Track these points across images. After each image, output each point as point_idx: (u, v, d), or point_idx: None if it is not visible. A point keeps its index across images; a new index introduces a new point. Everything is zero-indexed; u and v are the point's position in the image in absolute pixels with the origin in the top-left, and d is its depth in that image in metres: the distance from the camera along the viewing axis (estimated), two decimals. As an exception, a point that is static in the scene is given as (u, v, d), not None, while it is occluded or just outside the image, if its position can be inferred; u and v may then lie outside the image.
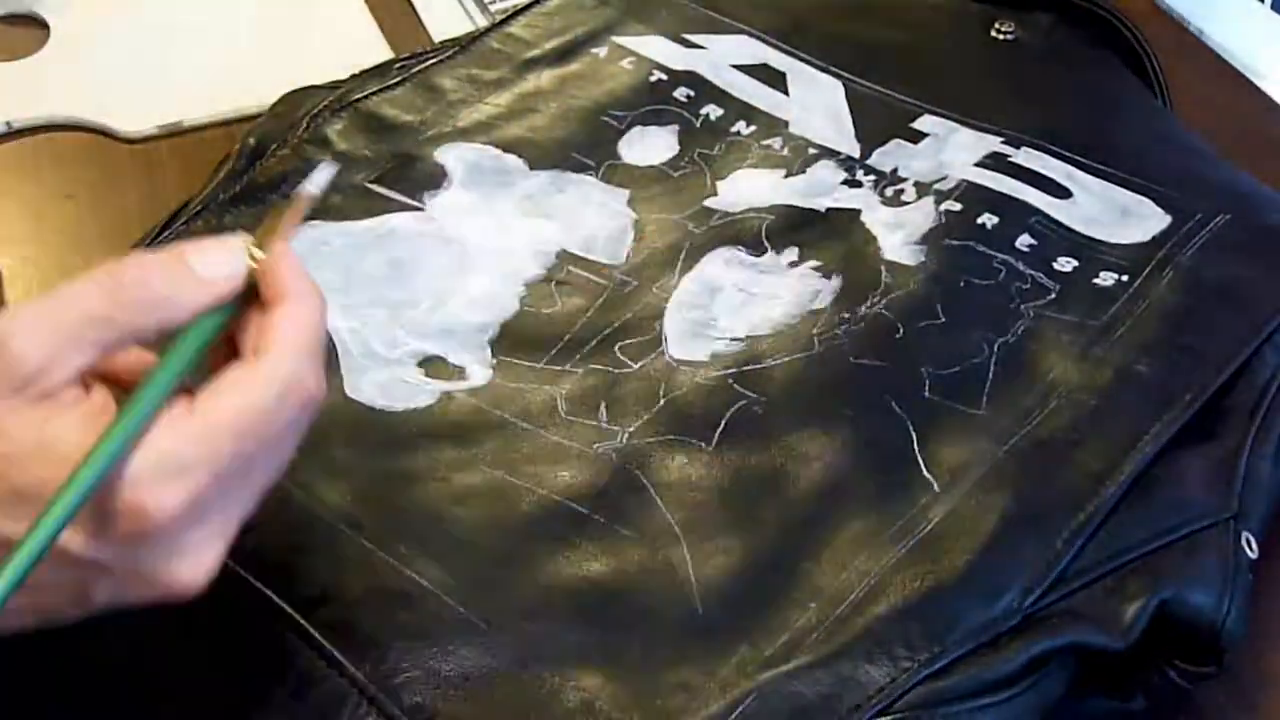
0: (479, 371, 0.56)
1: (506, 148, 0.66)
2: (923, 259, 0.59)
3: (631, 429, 0.53)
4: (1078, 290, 0.57)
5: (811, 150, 0.65)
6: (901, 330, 0.56)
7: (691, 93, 0.68)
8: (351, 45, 0.80)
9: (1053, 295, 0.57)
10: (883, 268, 0.59)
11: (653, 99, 0.68)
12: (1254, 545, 0.49)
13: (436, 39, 0.80)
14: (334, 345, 0.56)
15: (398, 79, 0.69)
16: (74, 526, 0.38)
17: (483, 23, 0.81)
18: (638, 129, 0.67)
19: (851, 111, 0.67)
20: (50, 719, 0.48)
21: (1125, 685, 0.48)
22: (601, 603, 0.48)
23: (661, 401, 0.54)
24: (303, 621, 0.47)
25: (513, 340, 0.57)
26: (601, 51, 0.71)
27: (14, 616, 0.39)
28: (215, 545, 0.40)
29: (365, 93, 0.68)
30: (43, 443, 0.38)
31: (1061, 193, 0.62)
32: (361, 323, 0.57)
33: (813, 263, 0.60)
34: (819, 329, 0.57)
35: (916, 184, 0.63)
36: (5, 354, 0.38)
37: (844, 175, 0.64)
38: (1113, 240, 0.59)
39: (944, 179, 0.63)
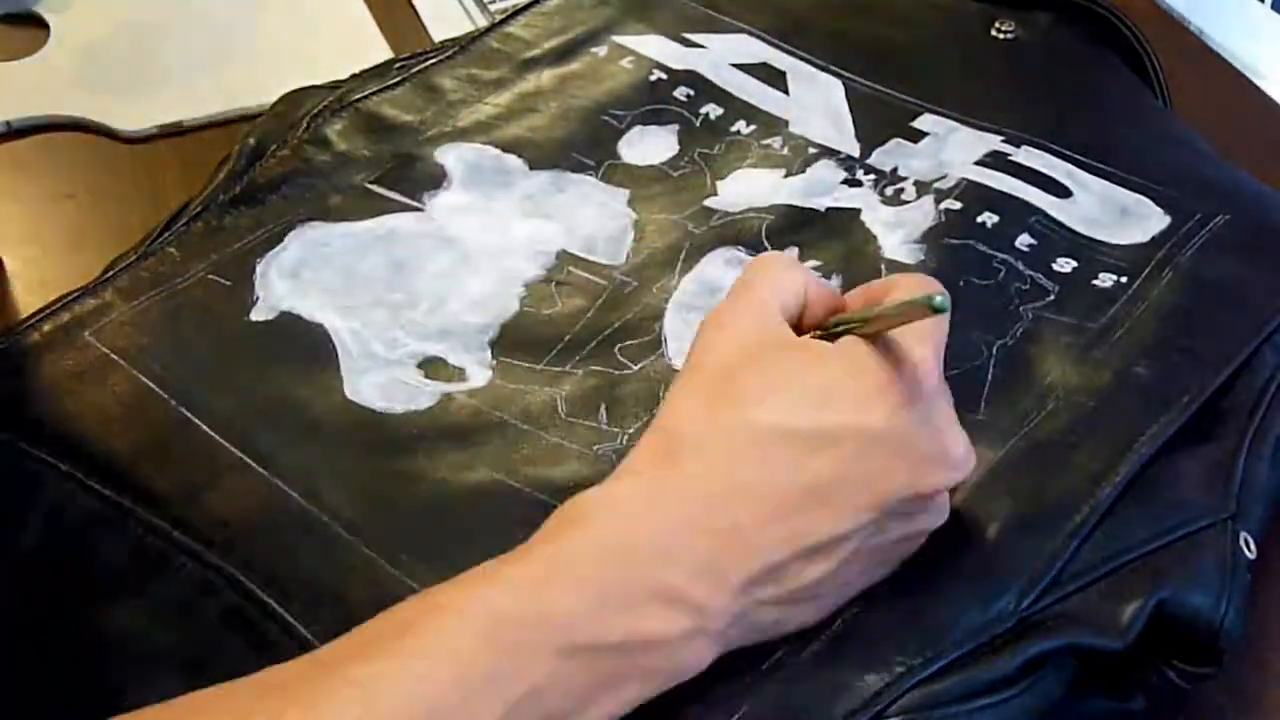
0: (479, 372, 0.56)
1: (506, 148, 0.66)
2: (922, 258, 0.59)
3: (631, 430, 0.53)
4: (1077, 291, 0.57)
5: (811, 149, 0.65)
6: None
7: (691, 92, 0.68)
8: (351, 45, 0.80)
9: (1052, 296, 0.57)
10: (883, 267, 0.59)
11: (653, 98, 0.68)
12: (1252, 546, 0.49)
13: (436, 39, 0.80)
14: (334, 346, 0.56)
15: (398, 79, 0.69)
16: None
17: (483, 23, 0.81)
18: (638, 129, 0.67)
19: (851, 111, 0.67)
20: (49, 718, 0.48)
21: (1124, 686, 0.48)
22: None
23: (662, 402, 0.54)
24: (301, 628, 0.47)
25: (513, 341, 0.57)
26: (601, 51, 0.71)
27: None
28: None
29: (365, 93, 0.68)
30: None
31: (1061, 192, 0.62)
32: (362, 323, 0.57)
33: (813, 262, 0.60)
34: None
35: (916, 183, 0.63)
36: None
37: (844, 174, 0.64)
38: (1112, 240, 0.59)
39: (944, 178, 0.63)
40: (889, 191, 0.63)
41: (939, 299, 0.42)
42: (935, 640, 0.45)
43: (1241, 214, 0.61)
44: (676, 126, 0.67)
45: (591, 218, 0.63)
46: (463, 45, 0.71)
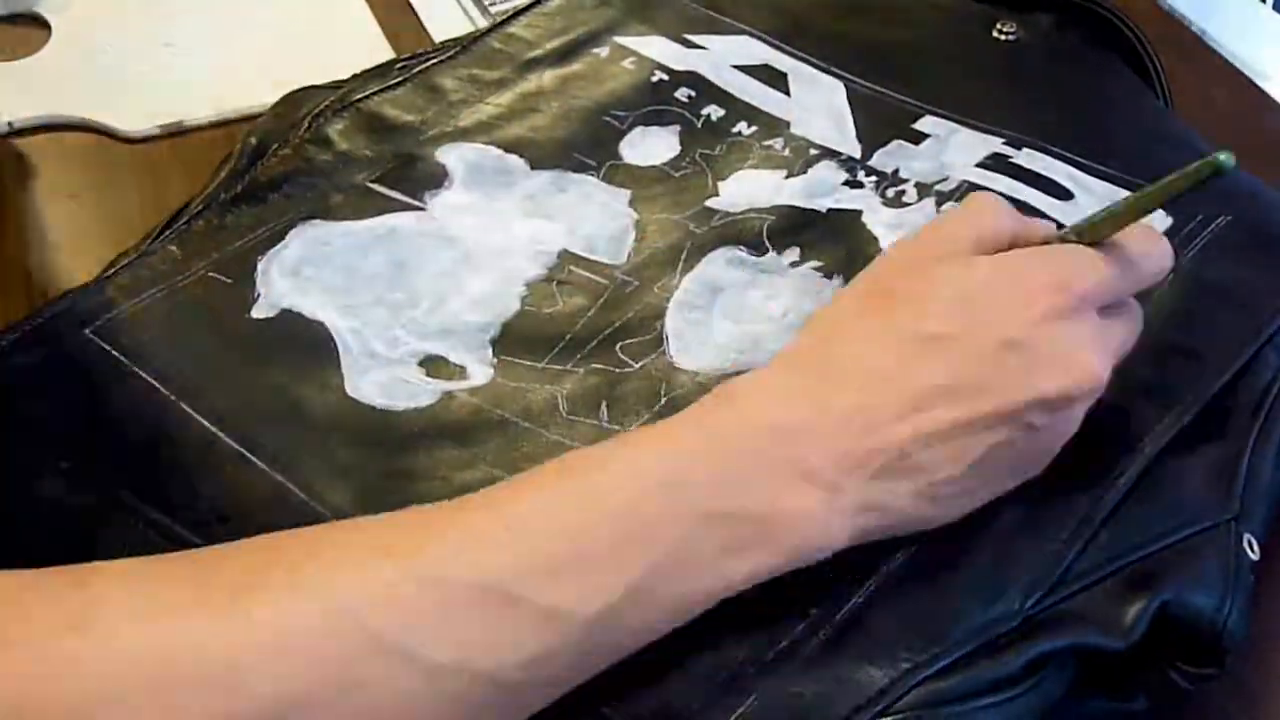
0: (480, 371, 0.56)
1: (508, 148, 0.66)
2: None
3: (633, 429, 0.53)
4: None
5: (813, 151, 0.65)
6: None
7: (693, 93, 0.68)
8: (352, 45, 0.80)
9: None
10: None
11: (654, 99, 0.68)
12: (1255, 547, 0.49)
13: (436, 39, 0.80)
14: (335, 344, 0.56)
15: (399, 79, 0.69)
16: None
17: (483, 23, 0.81)
18: (639, 129, 0.67)
19: (853, 112, 0.67)
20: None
21: (1126, 686, 0.48)
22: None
23: (663, 400, 0.54)
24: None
25: (514, 340, 0.57)
26: (603, 52, 0.71)
27: None
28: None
29: (366, 93, 0.68)
30: None
31: (1063, 194, 0.62)
32: (362, 322, 0.57)
33: (814, 263, 0.60)
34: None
35: (918, 185, 0.63)
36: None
37: (845, 176, 0.64)
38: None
39: (945, 180, 0.63)
40: (890, 193, 0.63)
41: (1223, 157, 0.46)
42: (940, 638, 0.45)
43: (1243, 215, 0.61)
44: (678, 127, 0.67)
45: (593, 217, 0.62)
46: (464, 45, 0.71)
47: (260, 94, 0.73)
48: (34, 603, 0.39)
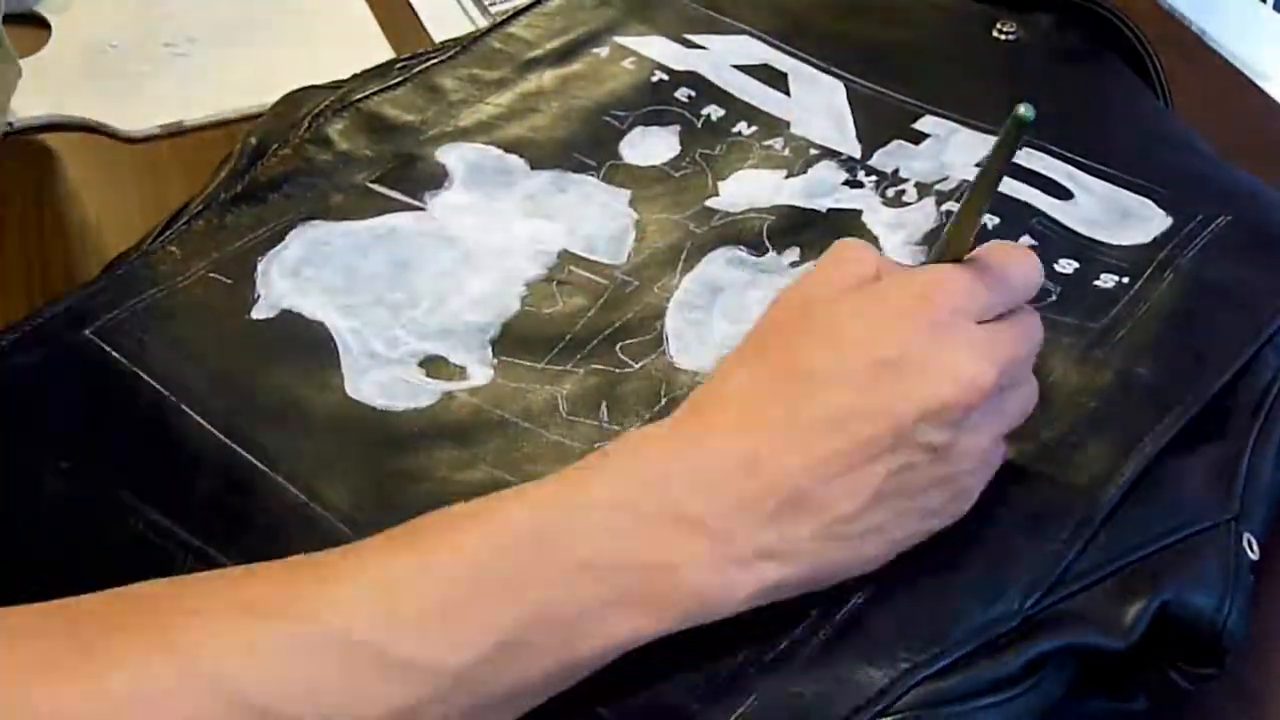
0: (480, 371, 0.56)
1: (508, 148, 0.66)
2: (923, 259, 0.59)
3: (632, 429, 0.53)
4: (1078, 292, 0.57)
5: (813, 151, 0.65)
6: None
7: (693, 93, 0.68)
8: (352, 45, 0.80)
9: (1054, 297, 0.57)
10: (884, 268, 0.59)
11: (654, 99, 0.68)
12: (1255, 547, 0.49)
13: (436, 40, 0.80)
14: (335, 344, 0.56)
15: (399, 79, 0.69)
16: None
17: (482, 23, 0.81)
18: (639, 129, 0.67)
19: (853, 112, 0.67)
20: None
21: (1127, 686, 0.48)
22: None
23: (663, 401, 0.54)
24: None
25: (514, 340, 0.57)
26: (603, 51, 0.71)
27: None
28: None
29: (366, 93, 0.68)
30: None
31: (1062, 193, 0.62)
32: (362, 322, 0.57)
33: (814, 262, 0.60)
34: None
35: (918, 185, 0.63)
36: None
37: (845, 176, 0.64)
38: (1114, 241, 0.59)
39: (945, 179, 0.63)
40: (890, 193, 0.63)
41: (1022, 109, 0.44)
42: (940, 638, 0.45)
43: (1243, 215, 0.61)
44: (678, 127, 0.67)
45: (593, 217, 0.62)
46: (464, 45, 0.71)
47: (260, 94, 0.73)
48: None
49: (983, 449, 0.47)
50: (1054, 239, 0.59)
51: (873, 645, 0.45)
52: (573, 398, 0.55)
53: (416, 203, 0.63)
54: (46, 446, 0.52)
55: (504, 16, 0.74)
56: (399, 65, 0.71)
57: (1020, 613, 0.46)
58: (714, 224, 0.62)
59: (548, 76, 0.70)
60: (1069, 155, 0.64)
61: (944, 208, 0.61)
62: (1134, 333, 0.55)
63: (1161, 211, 0.61)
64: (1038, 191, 0.62)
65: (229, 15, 0.83)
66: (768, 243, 0.61)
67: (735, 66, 0.70)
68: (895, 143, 0.65)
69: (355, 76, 0.70)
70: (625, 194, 0.64)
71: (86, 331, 0.56)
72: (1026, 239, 0.59)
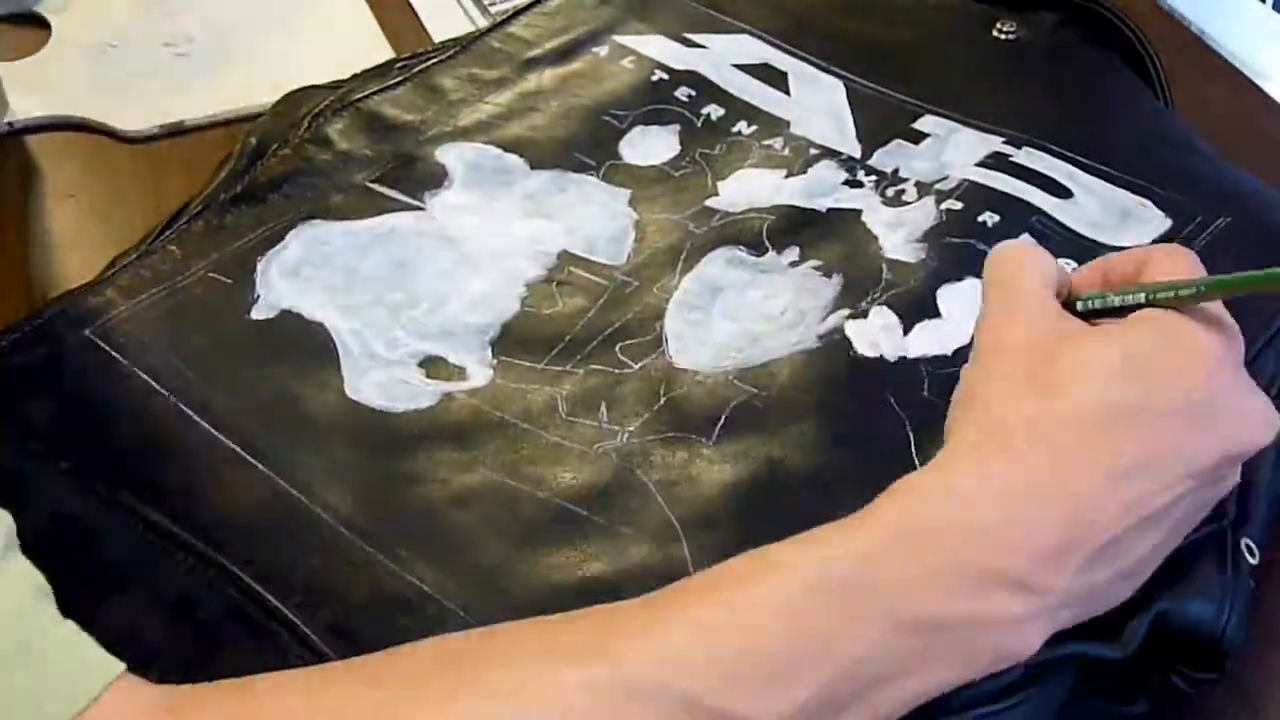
0: (480, 372, 0.56)
1: (507, 147, 0.66)
2: (923, 256, 0.59)
3: (632, 428, 0.53)
4: (1079, 292, 0.57)
5: (813, 150, 0.65)
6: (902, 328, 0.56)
7: (693, 92, 0.68)
8: (352, 45, 0.80)
9: (1054, 296, 0.57)
10: (883, 265, 0.59)
11: (654, 98, 0.68)
12: (1255, 551, 0.49)
13: (436, 39, 0.80)
14: (334, 345, 0.56)
15: (398, 79, 0.69)
16: None
17: (482, 23, 0.81)
18: (639, 129, 0.67)
19: (853, 111, 0.67)
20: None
21: (1127, 689, 0.48)
22: (603, 603, 0.48)
23: (662, 400, 0.54)
24: (301, 625, 0.47)
25: (513, 340, 0.57)
26: (603, 51, 0.71)
27: None
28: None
29: (366, 92, 0.68)
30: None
31: (1063, 193, 0.62)
32: (362, 323, 0.57)
33: (813, 262, 0.60)
34: (820, 327, 0.57)
35: (918, 184, 0.63)
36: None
37: (845, 175, 0.64)
38: (1113, 242, 0.59)
39: (945, 179, 0.63)
40: (890, 192, 0.63)
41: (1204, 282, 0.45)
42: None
43: (1242, 216, 0.61)
44: (678, 127, 0.67)
45: (592, 217, 0.62)
46: (464, 45, 0.71)
47: (260, 94, 0.73)
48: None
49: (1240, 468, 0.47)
50: (1054, 239, 0.59)
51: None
52: (572, 398, 0.55)
53: (416, 203, 0.63)
54: (47, 446, 0.52)
55: (504, 16, 0.74)
56: (399, 65, 0.71)
57: (1020, 619, 0.46)
58: (714, 224, 0.62)
59: (547, 76, 0.70)
60: (1069, 155, 0.64)
61: (943, 207, 0.61)
62: (1134, 333, 0.55)
63: (1161, 214, 0.61)
64: (1038, 191, 0.62)
65: (229, 15, 0.83)
66: (767, 242, 0.61)
67: (735, 66, 0.70)
68: (895, 142, 0.65)
69: (355, 76, 0.70)
70: (625, 194, 0.64)
71: (86, 331, 0.56)
72: (1026, 238, 0.59)
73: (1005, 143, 0.64)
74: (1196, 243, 0.59)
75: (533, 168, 0.65)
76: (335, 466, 0.52)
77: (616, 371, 0.56)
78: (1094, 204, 0.61)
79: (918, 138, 0.65)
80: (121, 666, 0.38)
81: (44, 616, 0.38)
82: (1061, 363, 0.44)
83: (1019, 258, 0.48)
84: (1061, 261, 0.58)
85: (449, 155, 0.65)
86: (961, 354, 0.54)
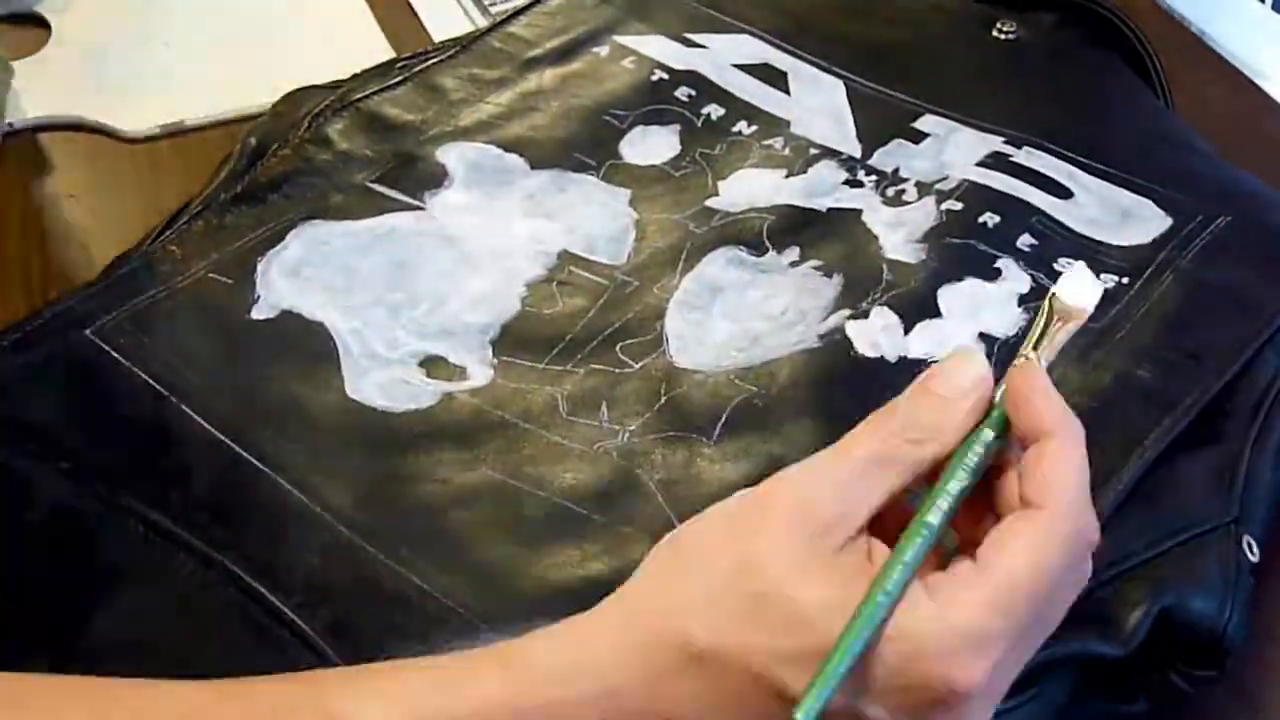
0: (480, 372, 0.56)
1: (508, 147, 0.66)
2: (924, 257, 0.59)
3: (633, 428, 0.53)
4: (1079, 291, 0.57)
5: (813, 150, 0.65)
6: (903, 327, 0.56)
7: (693, 92, 0.68)
8: (352, 45, 0.80)
9: (1054, 296, 0.57)
10: (884, 265, 0.59)
11: (654, 98, 0.68)
12: (1255, 549, 0.49)
13: (436, 39, 0.80)
14: (335, 345, 0.56)
15: (399, 79, 0.69)
16: (852, 683, 0.37)
17: (482, 23, 0.81)
18: (639, 128, 0.67)
19: (853, 111, 0.67)
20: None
21: (1127, 688, 0.48)
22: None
23: (663, 399, 0.54)
24: (301, 623, 0.47)
25: (514, 340, 0.57)
26: (603, 51, 0.71)
27: None
28: (991, 707, 0.39)
29: (366, 92, 0.68)
30: (846, 601, 0.37)
31: (1063, 193, 0.62)
32: (363, 323, 0.57)
33: (814, 262, 0.60)
34: (821, 326, 0.57)
35: (918, 184, 0.63)
36: (807, 506, 0.38)
37: (845, 175, 0.64)
38: (1113, 242, 0.59)
39: (945, 179, 0.63)
40: (890, 192, 0.63)
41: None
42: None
43: (1242, 216, 0.61)
44: (678, 126, 0.67)
45: (593, 217, 0.62)
46: (464, 45, 0.71)
47: (260, 94, 0.73)
48: None
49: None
50: (1054, 238, 0.59)
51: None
52: (573, 398, 0.55)
53: (416, 202, 0.63)
54: (47, 446, 0.52)
55: (504, 16, 0.74)
56: (399, 65, 0.71)
57: (1020, 616, 0.46)
58: (714, 224, 0.62)
59: (548, 76, 0.70)
60: (1069, 155, 0.64)
61: (943, 207, 0.61)
62: (1134, 333, 0.55)
63: (1161, 212, 0.61)
64: (1038, 191, 0.62)
65: (229, 15, 0.83)
66: (768, 242, 0.61)
67: (735, 66, 0.70)
68: (895, 142, 0.65)
69: (355, 76, 0.70)
70: (625, 193, 0.64)
71: (86, 331, 0.56)
72: (1027, 238, 0.59)
73: (1005, 142, 0.64)
74: (1197, 241, 0.59)
75: (533, 167, 0.65)
76: (336, 466, 0.52)
77: (617, 371, 0.56)
78: (1094, 203, 0.61)
79: (918, 137, 0.65)
80: None
81: None
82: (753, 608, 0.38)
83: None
84: (1062, 261, 0.58)
85: (449, 155, 0.65)
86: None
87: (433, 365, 0.56)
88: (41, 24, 0.82)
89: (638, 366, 0.56)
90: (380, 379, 0.55)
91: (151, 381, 0.54)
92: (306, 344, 0.56)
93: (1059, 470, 0.39)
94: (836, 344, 0.56)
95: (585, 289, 0.59)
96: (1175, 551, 0.48)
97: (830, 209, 0.62)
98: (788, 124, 0.67)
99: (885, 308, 0.57)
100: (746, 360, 0.56)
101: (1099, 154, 0.64)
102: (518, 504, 0.51)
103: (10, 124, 0.75)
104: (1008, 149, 0.64)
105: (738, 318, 0.58)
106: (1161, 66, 0.70)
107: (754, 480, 0.51)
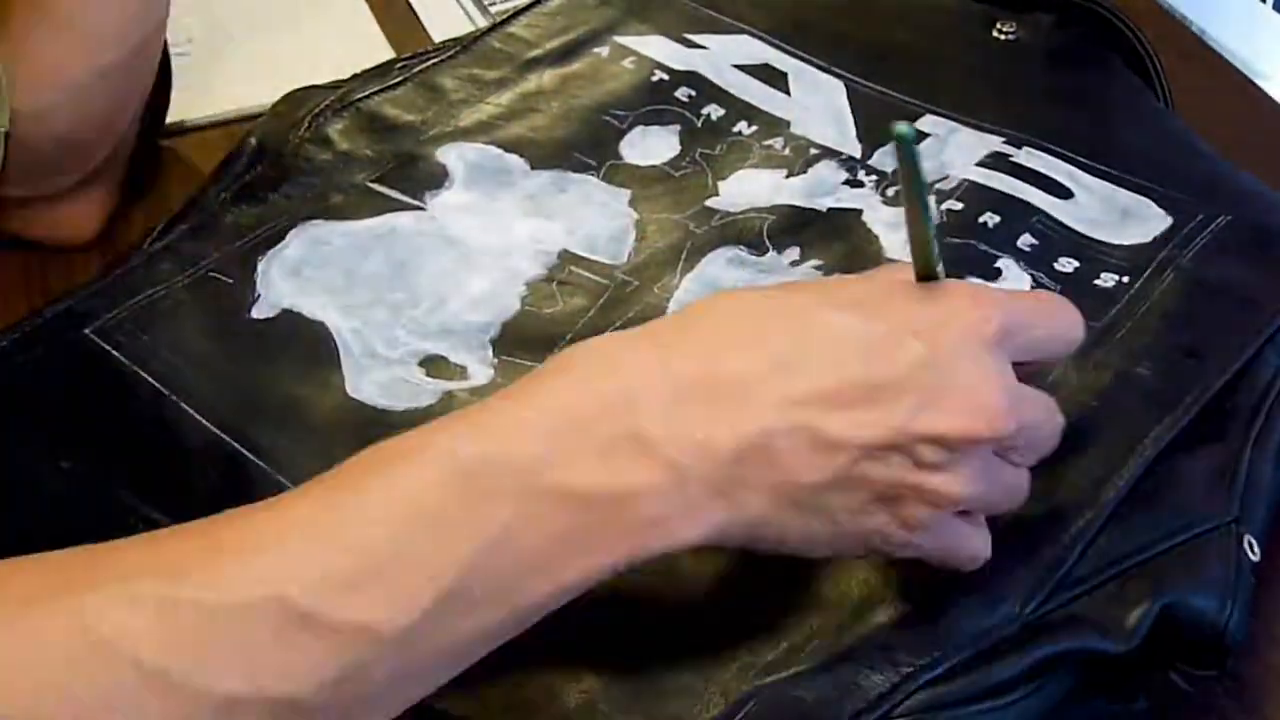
0: (480, 371, 0.56)
1: (508, 147, 0.66)
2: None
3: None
4: (1079, 291, 0.57)
5: (813, 150, 0.65)
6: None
7: (693, 93, 0.68)
8: (352, 45, 0.80)
9: (1054, 296, 0.57)
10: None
11: (654, 99, 0.68)
12: (1255, 548, 0.49)
13: (436, 40, 0.80)
14: (335, 344, 0.56)
15: (399, 79, 0.69)
16: None
17: (482, 23, 0.81)
18: (639, 129, 0.67)
19: (853, 111, 0.67)
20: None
21: (1127, 687, 0.48)
22: (602, 604, 0.48)
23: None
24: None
25: (514, 340, 0.57)
26: (603, 51, 0.71)
27: None
28: None
29: (367, 92, 0.68)
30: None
31: (1063, 193, 0.62)
32: (363, 322, 0.57)
33: (814, 262, 0.60)
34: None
35: (918, 184, 0.63)
36: None
37: (845, 175, 0.64)
38: (1114, 241, 0.59)
39: (945, 179, 0.63)
40: (890, 192, 0.63)
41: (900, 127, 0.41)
42: (941, 642, 0.45)
43: (1243, 215, 0.61)
44: (678, 127, 0.67)
45: (593, 217, 0.62)
46: (464, 45, 0.71)
47: (260, 94, 0.73)
48: None
49: (954, 495, 0.42)
50: (1054, 238, 0.59)
51: (873, 650, 0.45)
52: (573, 398, 0.55)
53: (416, 203, 0.63)
54: (47, 446, 0.52)
55: (504, 16, 0.74)
56: (399, 65, 0.71)
57: (1021, 617, 0.46)
58: (714, 224, 0.62)
59: (548, 76, 0.70)
60: (1069, 155, 0.64)
61: (943, 206, 0.61)
62: (1134, 333, 0.55)
63: (1161, 211, 0.61)
64: (1038, 191, 0.62)
65: (229, 15, 0.83)
66: (768, 242, 0.61)
67: (735, 66, 0.70)
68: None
69: (355, 76, 0.70)
70: (625, 194, 0.64)
71: (86, 331, 0.56)
72: (1027, 238, 0.59)
73: (1005, 143, 0.64)
74: (1197, 241, 0.59)
75: (533, 168, 0.65)
76: (336, 464, 0.51)
77: (617, 371, 0.56)
78: (1094, 203, 0.61)
79: (918, 138, 0.65)
80: None
81: None
82: (797, 290, 0.43)
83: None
84: (1063, 260, 0.58)
85: (449, 155, 0.65)
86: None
87: (433, 364, 0.56)
88: (41, 24, 0.82)
89: (638, 366, 0.56)
90: (380, 378, 0.55)
91: (152, 380, 0.54)
92: (307, 343, 0.56)
93: None
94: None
95: (585, 288, 0.59)
96: (1176, 550, 0.48)
97: (830, 209, 0.62)
98: (788, 124, 0.67)
99: None
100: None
101: (1099, 154, 0.64)
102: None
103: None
104: (1008, 149, 0.64)
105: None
106: (1161, 66, 0.70)
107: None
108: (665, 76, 0.69)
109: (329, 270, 0.59)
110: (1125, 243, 0.59)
